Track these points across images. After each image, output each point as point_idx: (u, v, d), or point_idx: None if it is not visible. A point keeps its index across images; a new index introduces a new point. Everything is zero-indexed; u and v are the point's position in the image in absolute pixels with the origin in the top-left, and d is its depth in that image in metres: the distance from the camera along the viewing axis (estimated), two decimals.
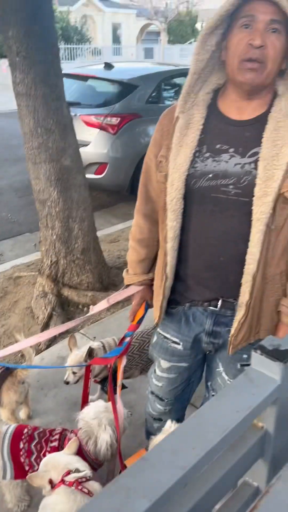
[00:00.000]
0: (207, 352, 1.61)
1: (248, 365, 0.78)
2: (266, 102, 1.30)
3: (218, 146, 1.30)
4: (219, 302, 1.44)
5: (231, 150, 1.29)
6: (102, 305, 1.78)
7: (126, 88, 5.45)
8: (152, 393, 1.75)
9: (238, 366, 1.51)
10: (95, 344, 2.22)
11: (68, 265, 3.28)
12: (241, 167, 1.27)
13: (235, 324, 1.38)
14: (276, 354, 0.74)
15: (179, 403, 1.75)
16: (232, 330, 1.39)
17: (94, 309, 1.81)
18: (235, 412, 0.67)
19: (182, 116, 1.34)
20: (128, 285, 1.74)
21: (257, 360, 0.75)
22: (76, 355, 2.13)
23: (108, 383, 1.93)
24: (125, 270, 1.73)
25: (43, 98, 2.89)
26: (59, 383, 2.56)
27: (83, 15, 24.05)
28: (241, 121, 1.30)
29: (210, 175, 1.30)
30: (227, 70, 1.28)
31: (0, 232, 4.93)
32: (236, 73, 1.23)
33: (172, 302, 1.55)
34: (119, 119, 5.19)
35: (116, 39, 28.20)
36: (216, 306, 1.45)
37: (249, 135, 1.28)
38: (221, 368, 1.57)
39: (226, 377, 1.55)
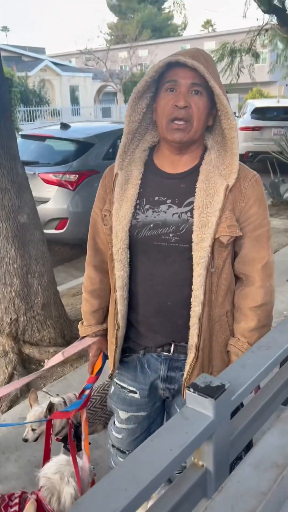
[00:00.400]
0: (165, 399, 1.62)
1: None
2: (197, 156, 1.40)
3: (156, 198, 1.39)
4: (172, 347, 1.48)
5: (169, 201, 1.38)
6: (57, 358, 1.77)
7: (83, 146, 5.65)
8: (113, 446, 1.72)
9: None
10: (55, 400, 2.18)
11: (29, 322, 3.24)
12: (179, 216, 1.36)
13: (187, 367, 1.41)
14: (208, 391, 0.77)
15: None
16: (185, 374, 1.42)
17: (48, 363, 1.80)
18: (168, 451, 0.68)
19: (121, 172, 1.44)
20: (83, 337, 1.75)
21: (191, 398, 0.78)
22: (36, 411, 2.08)
23: (70, 439, 1.88)
24: (80, 322, 1.75)
25: None
26: (21, 446, 2.46)
27: (41, 79, 24.99)
28: (176, 174, 1.40)
29: (151, 225, 1.38)
30: (158, 129, 1.39)
31: None
32: (165, 132, 1.34)
33: (127, 351, 1.57)
34: (77, 175, 5.35)
35: (74, 100, 29.30)
36: (169, 351, 1.48)
37: (184, 187, 1.38)
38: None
39: None
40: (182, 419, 0.76)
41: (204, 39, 39.36)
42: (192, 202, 1.35)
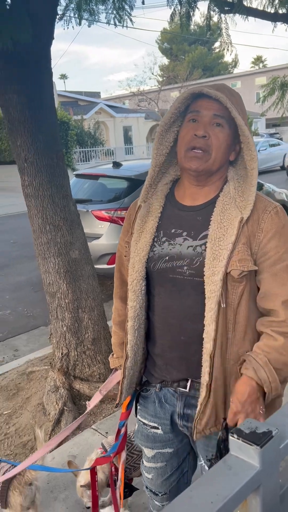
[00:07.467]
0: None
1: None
2: (217, 188, 1.39)
3: (173, 230, 1.39)
4: (188, 383, 1.41)
5: (184, 234, 1.37)
6: (97, 398, 1.74)
7: (134, 183, 5.76)
8: (147, 487, 1.65)
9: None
10: (93, 453, 2.13)
11: (79, 357, 3.24)
12: (193, 249, 1.34)
13: (198, 406, 1.32)
14: (253, 438, 0.71)
15: None
16: (196, 414, 1.33)
17: (90, 405, 1.76)
18: (209, 504, 0.63)
19: (144, 205, 1.46)
20: (115, 370, 1.71)
21: (235, 445, 0.72)
22: (83, 476, 2.06)
23: (111, 484, 1.82)
24: (110, 355, 1.73)
25: (51, 198, 3.07)
26: (70, 485, 2.42)
27: (96, 121, 26.08)
28: (193, 207, 1.40)
29: (166, 258, 1.37)
30: (178, 160, 1.39)
31: (15, 327, 4.97)
32: (183, 161, 1.34)
33: (144, 384, 1.53)
34: None
35: (127, 140, 30.23)
36: (185, 387, 1.42)
37: (200, 219, 1.36)
38: (200, 457, 1.48)
39: (206, 467, 1.45)
40: (225, 468, 0.70)
41: (254, 75, 39.79)
42: (207, 235, 1.32)
